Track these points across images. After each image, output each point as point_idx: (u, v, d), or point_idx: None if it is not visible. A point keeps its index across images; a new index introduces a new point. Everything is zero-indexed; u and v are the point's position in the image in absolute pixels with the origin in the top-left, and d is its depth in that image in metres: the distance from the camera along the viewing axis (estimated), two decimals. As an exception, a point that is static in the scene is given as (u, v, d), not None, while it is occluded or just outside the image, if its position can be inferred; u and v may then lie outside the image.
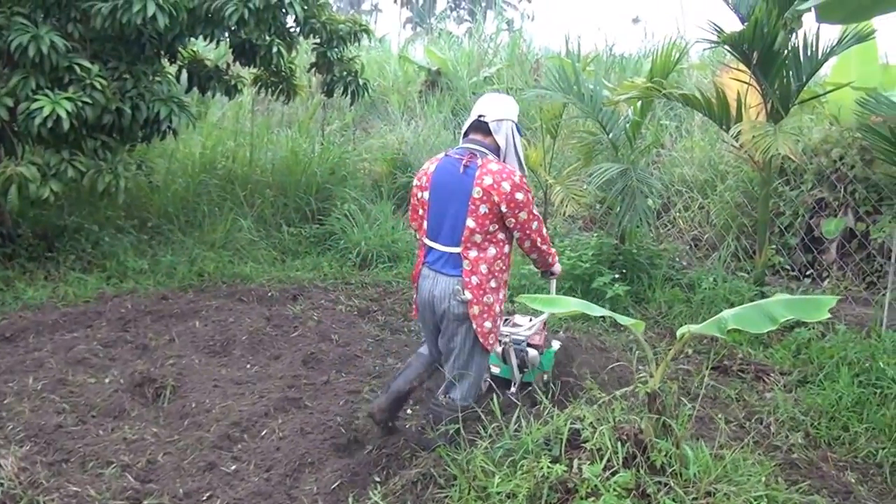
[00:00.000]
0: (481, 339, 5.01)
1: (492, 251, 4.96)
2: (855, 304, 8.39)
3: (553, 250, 5.41)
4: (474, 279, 4.92)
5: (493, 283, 4.99)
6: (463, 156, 4.95)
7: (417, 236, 5.29)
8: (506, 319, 6.07)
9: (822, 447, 5.75)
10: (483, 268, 4.93)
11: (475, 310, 4.94)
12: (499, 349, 5.89)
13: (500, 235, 4.98)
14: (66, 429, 5.28)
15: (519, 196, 4.87)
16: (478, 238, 4.90)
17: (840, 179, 9.26)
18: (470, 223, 4.87)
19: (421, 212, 5.14)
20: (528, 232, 5.04)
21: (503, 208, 4.85)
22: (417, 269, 5.21)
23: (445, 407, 5.09)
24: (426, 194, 5.06)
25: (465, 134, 5.14)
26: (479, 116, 5.06)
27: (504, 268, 5.08)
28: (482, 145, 5.02)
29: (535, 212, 5.02)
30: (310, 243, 11.09)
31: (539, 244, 5.16)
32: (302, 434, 5.44)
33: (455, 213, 4.92)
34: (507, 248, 5.06)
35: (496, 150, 5.06)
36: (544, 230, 5.19)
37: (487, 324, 5.01)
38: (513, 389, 5.96)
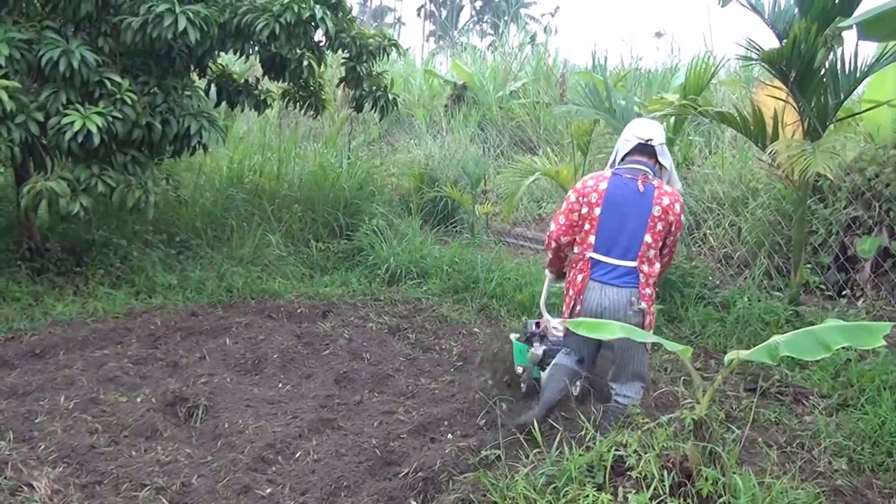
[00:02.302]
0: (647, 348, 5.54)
1: (656, 267, 5.43)
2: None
3: None
4: (647, 291, 5.37)
5: (655, 297, 5.56)
6: (635, 176, 5.36)
7: (577, 250, 5.53)
8: (536, 323, 6.48)
9: (867, 473, 5.61)
10: (652, 282, 5.41)
11: (647, 320, 5.37)
12: (539, 351, 6.20)
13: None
14: (99, 449, 5.21)
15: (682, 219, 5.49)
16: (651, 253, 5.36)
17: (875, 197, 9.14)
18: (647, 238, 5.30)
19: (588, 227, 5.41)
20: (673, 251, 5.71)
21: (672, 228, 5.39)
22: (585, 283, 5.42)
23: (624, 406, 5.39)
24: (597, 210, 5.36)
25: (627, 154, 5.50)
26: (648, 140, 5.44)
27: None
28: (648, 167, 5.42)
29: None
30: (338, 259, 11.04)
31: (670, 262, 5.87)
32: (337, 456, 5.35)
33: (633, 229, 5.31)
34: None
35: (657, 171, 5.49)
36: None
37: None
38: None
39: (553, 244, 5.67)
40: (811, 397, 6.82)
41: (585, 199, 5.41)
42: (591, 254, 5.39)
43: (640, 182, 5.32)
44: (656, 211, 5.29)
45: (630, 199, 5.32)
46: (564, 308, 5.64)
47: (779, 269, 9.41)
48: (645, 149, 5.45)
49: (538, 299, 6.74)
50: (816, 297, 9.02)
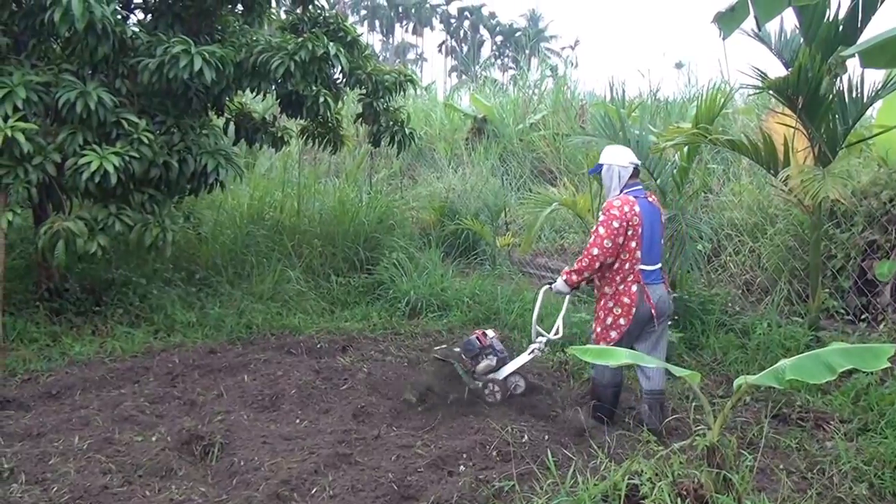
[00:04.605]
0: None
1: None
2: (912, 347, 8.13)
3: None
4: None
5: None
6: (645, 195, 6.61)
7: (626, 266, 6.44)
8: (477, 338, 7.36)
9: (888, 498, 5.52)
10: None
11: None
12: (493, 361, 7.25)
13: None
14: (112, 490, 5.18)
15: None
16: (662, 250, 6.77)
17: (891, 221, 9.05)
18: (662, 241, 6.75)
19: (634, 244, 6.40)
20: None
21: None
22: (642, 291, 6.44)
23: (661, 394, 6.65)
24: (640, 229, 6.40)
25: (629, 177, 6.62)
26: (638, 164, 6.76)
27: None
28: (640, 184, 6.69)
29: None
30: (358, 293, 11.05)
31: None
32: (353, 492, 5.30)
33: (657, 237, 6.61)
34: None
35: None
36: None
37: None
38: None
39: (597, 265, 6.46)
40: (832, 422, 6.75)
41: (630, 223, 6.36)
42: (640, 266, 6.44)
43: (650, 198, 6.63)
44: (663, 219, 6.82)
45: (651, 215, 6.51)
46: (617, 317, 6.49)
47: (799, 294, 9.34)
48: (636, 171, 6.70)
49: (533, 317, 7.37)
50: (837, 321, 8.92)
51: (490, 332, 7.50)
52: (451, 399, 7.07)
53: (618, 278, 6.48)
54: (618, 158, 6.68)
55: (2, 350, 7.63)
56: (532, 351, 7.26)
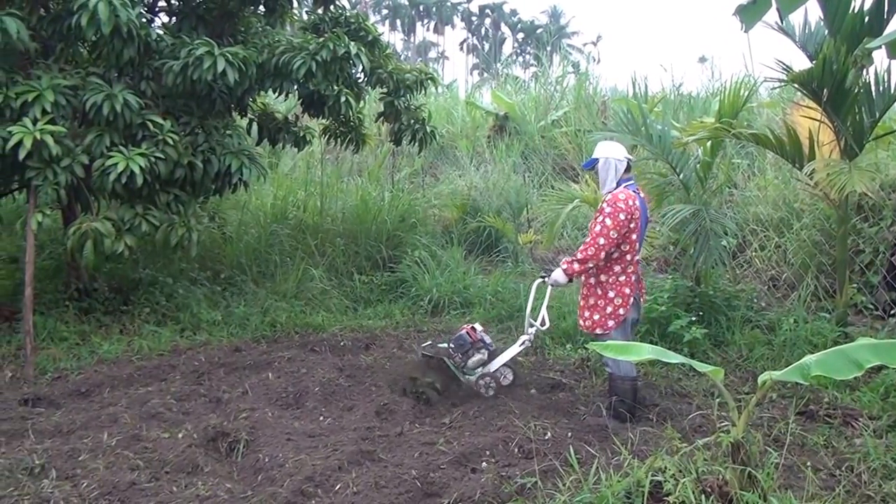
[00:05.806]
0: None
1: None
2: (942, 344, 8.04)
3: None
4: None
5: None
6: (638, 189, 6.89)
7: (628, 258, 6.71)
8: (468, 333, 7.42)
9: (917, 496, 5.50)
10: None
11: None
12: (485, 355, 7.37)
13: None
14: (140, 486, 5.24)
15: None
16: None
17: (920, 215, 8.99)
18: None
19: (634, 237, 6.68)
20: None
21: None
22: (639, 280, 6.91)
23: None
24: (640, 222, 6.71)
25: (624, 172, 6.85)
26: (632, 160, 6.97)
27: None
28: (633, 178, 6.97)
29: None
30: (381, 291, 11.11)
31: None
32: (376, 488, 5.33)
33: (644, 229, 6.91)
34: None
35: None
36: None
37: None
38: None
39: (602, 254, 6.59)
40: (860, 419, 6.67)
41: (635, 216, 6.62)
42: (637, 256, 6.77)
43: (641, 193, 6.96)
44: (647, 212, 7.07)
45: (644, 207, 6.88)
46: (617, 307, 6.70)
47: (826, 289, 9.26)
48: (629, 165, 6.91)
49: (527, 310, 7.52)
50: (866, 317, 8.85)
51: (478, 327, 7.62)
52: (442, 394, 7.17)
53: (617, 268, 6.73)
54: (614, 152, 6.87)
55: (33, 349, 7.70)
56: (523, 342, 7.39)
